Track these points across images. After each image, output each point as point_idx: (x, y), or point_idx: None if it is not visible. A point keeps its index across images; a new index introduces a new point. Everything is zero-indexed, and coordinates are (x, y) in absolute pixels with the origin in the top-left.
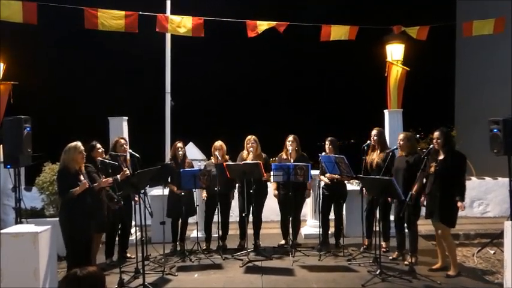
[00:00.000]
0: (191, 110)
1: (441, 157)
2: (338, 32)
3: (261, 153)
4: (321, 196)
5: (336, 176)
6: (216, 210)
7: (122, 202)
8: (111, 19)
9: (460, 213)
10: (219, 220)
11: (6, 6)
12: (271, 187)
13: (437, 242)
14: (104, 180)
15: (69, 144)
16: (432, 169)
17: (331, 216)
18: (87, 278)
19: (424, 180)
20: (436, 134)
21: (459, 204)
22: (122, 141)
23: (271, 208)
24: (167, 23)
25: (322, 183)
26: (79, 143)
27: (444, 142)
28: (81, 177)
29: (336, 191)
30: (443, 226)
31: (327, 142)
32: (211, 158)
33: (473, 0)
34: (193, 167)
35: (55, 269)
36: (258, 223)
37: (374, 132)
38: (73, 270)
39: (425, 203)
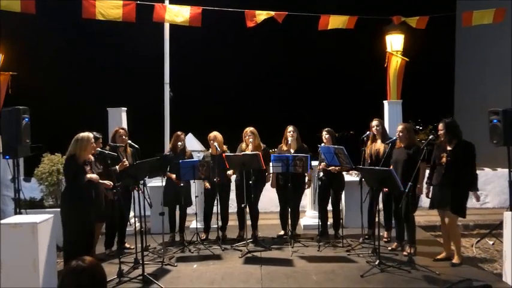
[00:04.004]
0: (190, 101)
1: (450, 148)
2: (336, 21)
3: (260, 144)
4: (319, 187)
5: (337, 168)
6: (216, 201)
7: (120, 189)
8: (109, 8)
9: None
10: (218, 211)
11: None
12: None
13: (442, 232)
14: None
15: (81, 134)
16: (444, 160)
17: (330, 207)
18: (91, 268)
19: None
20: (440, 125)
21: (473, 194)
22: (122, 131)
23: (270, 199)
24: (165, 12)
25: (321, 174)
26: (91, 135)
27: (446, 133)
28: (87, 168)
29: (333, 181)
30: (451, 215)
31: (324, 132)
32: (210, 148)
33: None
34: (192, 157)
35: (54, 260)
36: (255, 214)
37: (375, 122)
38: (76, 260)
39: (429, 194)
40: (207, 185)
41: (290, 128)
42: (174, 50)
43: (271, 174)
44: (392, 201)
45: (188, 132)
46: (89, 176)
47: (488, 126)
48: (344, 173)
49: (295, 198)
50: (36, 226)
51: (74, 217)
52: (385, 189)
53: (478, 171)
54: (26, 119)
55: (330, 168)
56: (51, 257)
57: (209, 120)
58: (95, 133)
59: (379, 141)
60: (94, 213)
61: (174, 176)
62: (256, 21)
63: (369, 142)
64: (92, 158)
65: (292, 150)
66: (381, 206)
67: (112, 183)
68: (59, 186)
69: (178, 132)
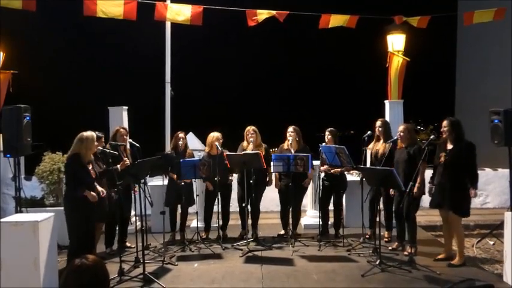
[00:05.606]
0: (191, 100)
1: (450, 147)
2: (337, 21)
3: (261, 143)
4: (321, 187)
5: (338, 170)
6: (216, 200)
7: (121, 188)
8: (110, 6)
9: None
10: (219, 210)
11: None
12: (273, 177)
13: (443, 232)
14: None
15: (85, 134)
16: (442, 159)
17: (331, 206)
18: (94, 267)
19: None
20: (444, 123)
21: (472, 191)
22: (123, 131)
23: (271, 198)
24: (166, 11)
25: (322, 174)
26: (94, 133)
27: (451, 131)
28: (90, 167)
29: (336, 181)
30: (454, 216)
31: (326, 132)
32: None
33: None
34: (193, 157)
35: (55, 259)
36: (256, 213)
37: (378, 123)
38: (79, 259)
39: (426, 193)
40: (210, 186)
41: (290, 128)
42: (175, 49)
43: (273, 176)
44: (393, 201)
45: (189, 132)
46: (93, 193)
47: (489, 126)
48: (345, 172)
49: (296, 198)
50: (37, 225)
51: (78, 218)
52: (392, 193)
53: (478, 171)
54: (27, 118)
55: (332, 171)
56: (52, 255)
57: (210, 119)
58: (97, 132)
59: (381, 141)
60: (96, 213)
61: (175, 176)
62: (257, 21)
63: (373, 142)
64: (92, 156)
65: (293, 150)
66: (381, 205)
67: (104, 191)
68: (59, 184)
69: (178, 132)
